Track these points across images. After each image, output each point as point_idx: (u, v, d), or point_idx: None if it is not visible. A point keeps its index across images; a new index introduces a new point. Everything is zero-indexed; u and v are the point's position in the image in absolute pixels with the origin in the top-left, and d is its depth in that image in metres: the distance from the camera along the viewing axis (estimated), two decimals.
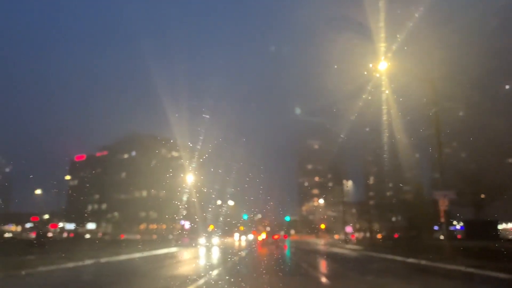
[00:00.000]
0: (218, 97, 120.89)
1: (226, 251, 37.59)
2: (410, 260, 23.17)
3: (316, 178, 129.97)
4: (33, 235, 61.16)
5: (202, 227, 69.22)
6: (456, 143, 45.47)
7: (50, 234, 69.44)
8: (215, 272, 17.44)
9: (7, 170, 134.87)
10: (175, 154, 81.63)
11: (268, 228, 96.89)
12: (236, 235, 35.12)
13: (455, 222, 46.30)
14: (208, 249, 43.09)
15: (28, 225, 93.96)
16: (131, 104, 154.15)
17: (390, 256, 27.16)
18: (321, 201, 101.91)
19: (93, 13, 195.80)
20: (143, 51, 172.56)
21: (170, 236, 63.98)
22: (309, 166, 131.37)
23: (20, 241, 42.82)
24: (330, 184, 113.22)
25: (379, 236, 52.58)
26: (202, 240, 52.54)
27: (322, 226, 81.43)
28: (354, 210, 66.70)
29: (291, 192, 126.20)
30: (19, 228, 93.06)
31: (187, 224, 74.74)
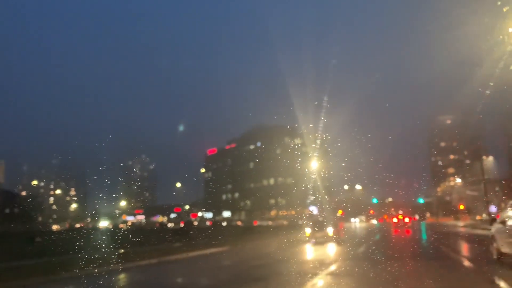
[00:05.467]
0: (341, 81, 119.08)
1: (359, 235, 37.13)
2: None
3: (451, 156, 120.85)
4: (181, 224, 68.00)
5: (331, 213, 69.20)
6: None
7: (195, 223, 76.21)
8: (350, 256, 17.43)
9: (152, 167, 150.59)
10: (299, 141, 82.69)
11: (400, 211, 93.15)
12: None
13: None
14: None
15: (172, 215, 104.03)
16: (256, 97, 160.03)
17: None
18: (458, 180, 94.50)
19: (225, 12, 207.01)
20: (270, 45, 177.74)
21: (300, 222, 65.14)
22: (442, 144, 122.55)
23: (170, 230, 47.56)
24: (468, 161, 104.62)
25: None
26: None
27: (461, 207, 75.61)
28: (497, 188, 60.56)
29: (423, 172, 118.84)
30: (165, 219, 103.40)
31: (315, 210, 75.37)
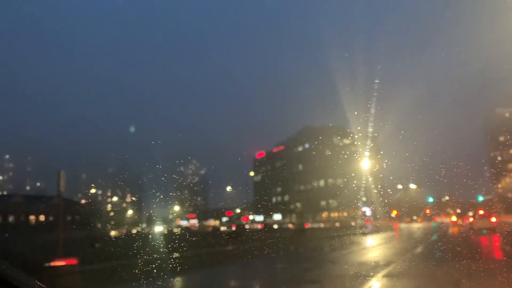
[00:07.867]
0: (393, 77, 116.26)
1: (418, 234, 35.98)
2: None
3: (511, 151, 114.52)
4: (233, 227, 69.04)
5: (384, 213, 67.53)
6: None
7: (247, 226, 76.91)
8: (407, 257, 16.96)
9: (203, 172, 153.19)
10: (349, 141, 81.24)
11: (458, 210, 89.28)
12: None
13: None
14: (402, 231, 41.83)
15: (224, 219, 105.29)
16: (304, 98, 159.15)
17: None
18: None
19: (271, 14, 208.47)
20: (318, 44, 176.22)
21: (353, 223, 63.98)
22: (501, 138, 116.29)
23: (224, 234, 48.21)
24: None
25: None
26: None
27: None
28: None
29: (482, 169, 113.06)
30: (217, 223, 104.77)
31: (368, 211, 73.82)
